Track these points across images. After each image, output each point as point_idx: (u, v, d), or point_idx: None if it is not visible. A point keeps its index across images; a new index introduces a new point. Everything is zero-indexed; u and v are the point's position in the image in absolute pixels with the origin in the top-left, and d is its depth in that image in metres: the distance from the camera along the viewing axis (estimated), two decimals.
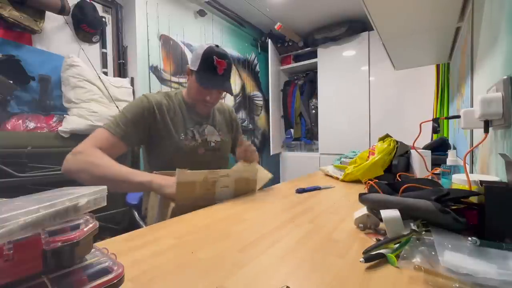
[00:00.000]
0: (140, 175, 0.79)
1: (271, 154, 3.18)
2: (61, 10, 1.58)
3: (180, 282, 0.36)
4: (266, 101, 3.42)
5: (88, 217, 0.30)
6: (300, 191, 0.90)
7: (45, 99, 1.56)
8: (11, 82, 1.39)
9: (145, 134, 0.94)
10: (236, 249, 0.46)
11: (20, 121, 1.44)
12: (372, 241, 0.47)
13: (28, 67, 1.48)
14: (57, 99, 1.61)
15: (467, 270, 0.32)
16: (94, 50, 1.87)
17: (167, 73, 2.22)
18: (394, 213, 0.46)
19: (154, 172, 0.82)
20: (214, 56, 0.95)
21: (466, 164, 0.74)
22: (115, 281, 0.26)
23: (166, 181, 0.77)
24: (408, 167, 1.07)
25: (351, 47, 2.90)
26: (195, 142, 1.02)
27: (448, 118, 0.99)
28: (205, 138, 1.06)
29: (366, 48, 2.80)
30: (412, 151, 1.04)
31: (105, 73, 1.89)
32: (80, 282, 0.26)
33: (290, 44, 3.23)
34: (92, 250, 0.30)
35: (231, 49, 2.91)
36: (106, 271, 0.28)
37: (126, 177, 0.78)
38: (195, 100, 1.02)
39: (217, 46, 0.98)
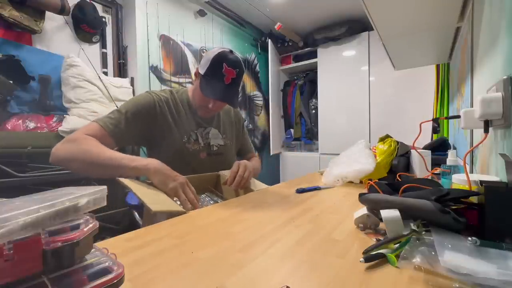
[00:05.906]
0: (136, 160, 0.76)
1: (271, 154, 3.18)
2: (61, 10, 1.58)
3: (180, 282, 0.36)
4: (266, 101, 3.42)
5: (88, 217, 0.30)
6: (300, 191, 0.90)
7: (45, 99, 1.56)
8: (11, 82, 1.39)
9: (141, 133, 0.89)
10: (236, 249, 0.46)
11: (20, 121, 1.44)
12: (372, 241, 0.47)
13: (28, 67, 1.48)
14: (57, 99, 1.61)
15: (467, 270, 0.32)
16: (94, 50, 1.87)
17: (167, 73, 2.22)
18: (394, 213, 0.46)
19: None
20: (224, 63, 0.88)
21: (466, 164, 0.74)
22: (115, 281, 0.26)
23: (169, 172, 0.74)
24: (408, 167, 1.07)
25: (351, 47, 2.90)
26: (198, 146, 0.98)
27: (448, 118, 0.99)
28: (208, 142, 1.01)
29: (366, 48, 2.80)
30: (412, 151, 1.04)
31: (105, 73, 1.89)
32: (80, 282, 0.25)
33: (290, 44, 3.23)
34: (92, 250, 0.30)
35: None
36: (106, 271, 0.28)
37: (120, 162, 0.75)
38: (198, 104, 0.99)
39: (231, 51, 0.92)
